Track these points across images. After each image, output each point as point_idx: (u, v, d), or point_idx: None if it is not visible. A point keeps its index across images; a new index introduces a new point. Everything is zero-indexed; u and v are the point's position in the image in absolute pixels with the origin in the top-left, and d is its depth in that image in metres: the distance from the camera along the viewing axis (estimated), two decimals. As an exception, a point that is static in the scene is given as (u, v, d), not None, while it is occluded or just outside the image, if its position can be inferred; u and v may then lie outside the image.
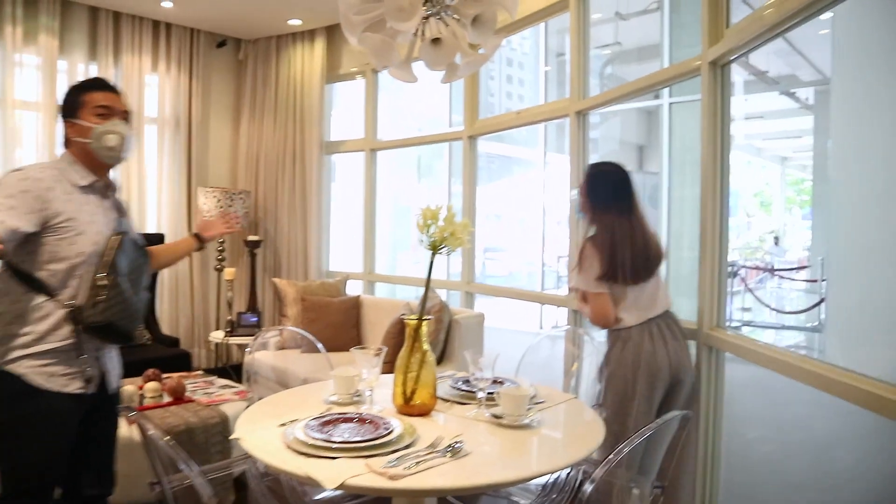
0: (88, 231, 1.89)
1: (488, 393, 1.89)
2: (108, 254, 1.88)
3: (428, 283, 1.86)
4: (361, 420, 1.73)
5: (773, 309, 8.33)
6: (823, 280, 7.25)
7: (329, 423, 1.70)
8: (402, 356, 1.87)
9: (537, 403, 1.97)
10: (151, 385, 3.24)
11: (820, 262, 7.96)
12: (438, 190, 7.93)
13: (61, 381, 1.86)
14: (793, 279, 9.85)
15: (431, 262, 1.82)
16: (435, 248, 1.78)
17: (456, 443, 1.56)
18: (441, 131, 5.42)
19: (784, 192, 16.23)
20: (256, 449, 1.56)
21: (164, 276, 5.15)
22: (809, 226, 12.35)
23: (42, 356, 1.83)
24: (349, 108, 5.81)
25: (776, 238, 13.64)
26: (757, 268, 10.34)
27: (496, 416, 1.80)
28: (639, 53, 9.35)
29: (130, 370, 3.86)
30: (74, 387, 1.88)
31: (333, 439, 1.56)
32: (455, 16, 1.93)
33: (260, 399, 2.04)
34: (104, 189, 2.00)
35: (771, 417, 4.35)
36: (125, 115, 2.01)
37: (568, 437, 1.67)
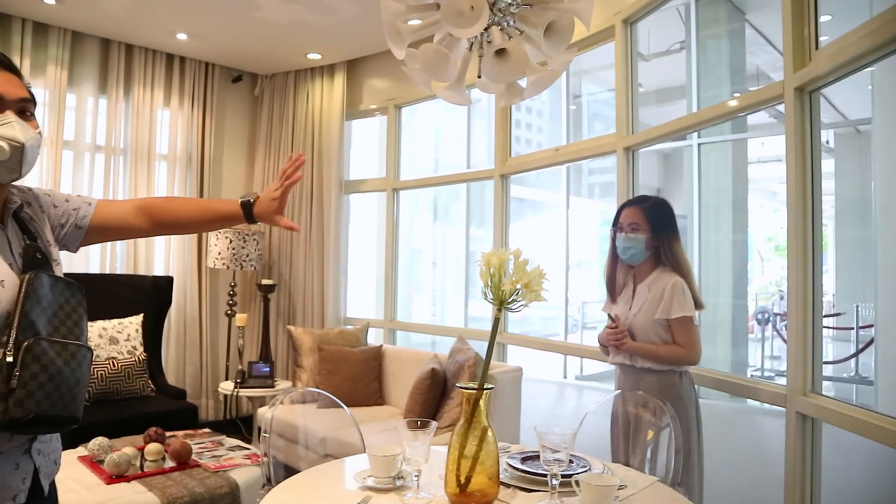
0: None
1: (562, 476, 1.54)
2: (15, 310, 1.18)
3: (492, 343, 1.52)
4: (411, 518, 1.38)
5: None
6: (867, 327, 6.84)
7: (371, 522, 1.36)
8: (459, 433, 1.52)
9: (620, 488, 1.62)
10: (153, 447, 2.90)
11: (855, 309, 7.55)
12: (455, 232, 7.63)
13: None
14: (826, 327, 9.44)
15: (497, 320, 1.48)
16: (503, 303, 1.44)
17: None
18: (457, 171, 5.13)
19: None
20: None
21: (172, 320, 4.83)
22: (826, 270, 11.96)
23: None
24: (362, 147, 5.55)
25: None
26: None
27: (577, 512, 1.44)
28: (657, 95, 9.17)
29: (131, 427, 3.52)
30: None
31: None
32: (518, 27, 1.64)
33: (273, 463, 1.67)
34: None
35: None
36: (24, 106, 1.28)
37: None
